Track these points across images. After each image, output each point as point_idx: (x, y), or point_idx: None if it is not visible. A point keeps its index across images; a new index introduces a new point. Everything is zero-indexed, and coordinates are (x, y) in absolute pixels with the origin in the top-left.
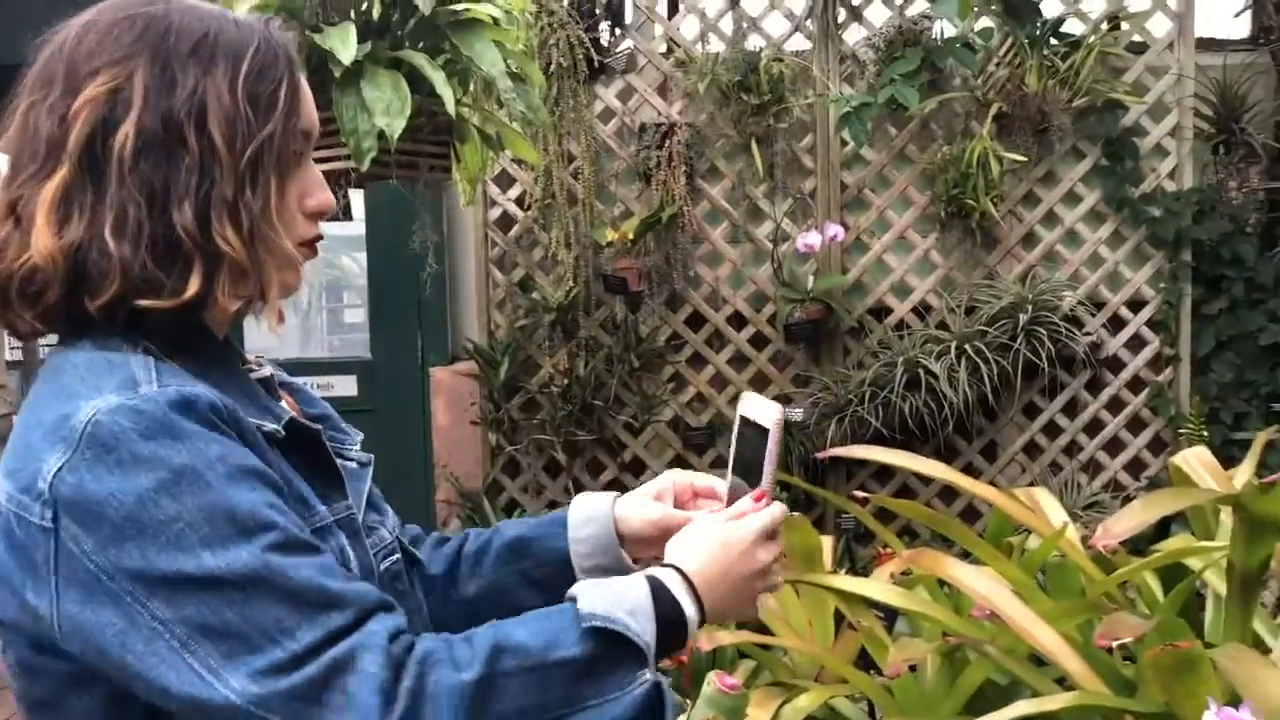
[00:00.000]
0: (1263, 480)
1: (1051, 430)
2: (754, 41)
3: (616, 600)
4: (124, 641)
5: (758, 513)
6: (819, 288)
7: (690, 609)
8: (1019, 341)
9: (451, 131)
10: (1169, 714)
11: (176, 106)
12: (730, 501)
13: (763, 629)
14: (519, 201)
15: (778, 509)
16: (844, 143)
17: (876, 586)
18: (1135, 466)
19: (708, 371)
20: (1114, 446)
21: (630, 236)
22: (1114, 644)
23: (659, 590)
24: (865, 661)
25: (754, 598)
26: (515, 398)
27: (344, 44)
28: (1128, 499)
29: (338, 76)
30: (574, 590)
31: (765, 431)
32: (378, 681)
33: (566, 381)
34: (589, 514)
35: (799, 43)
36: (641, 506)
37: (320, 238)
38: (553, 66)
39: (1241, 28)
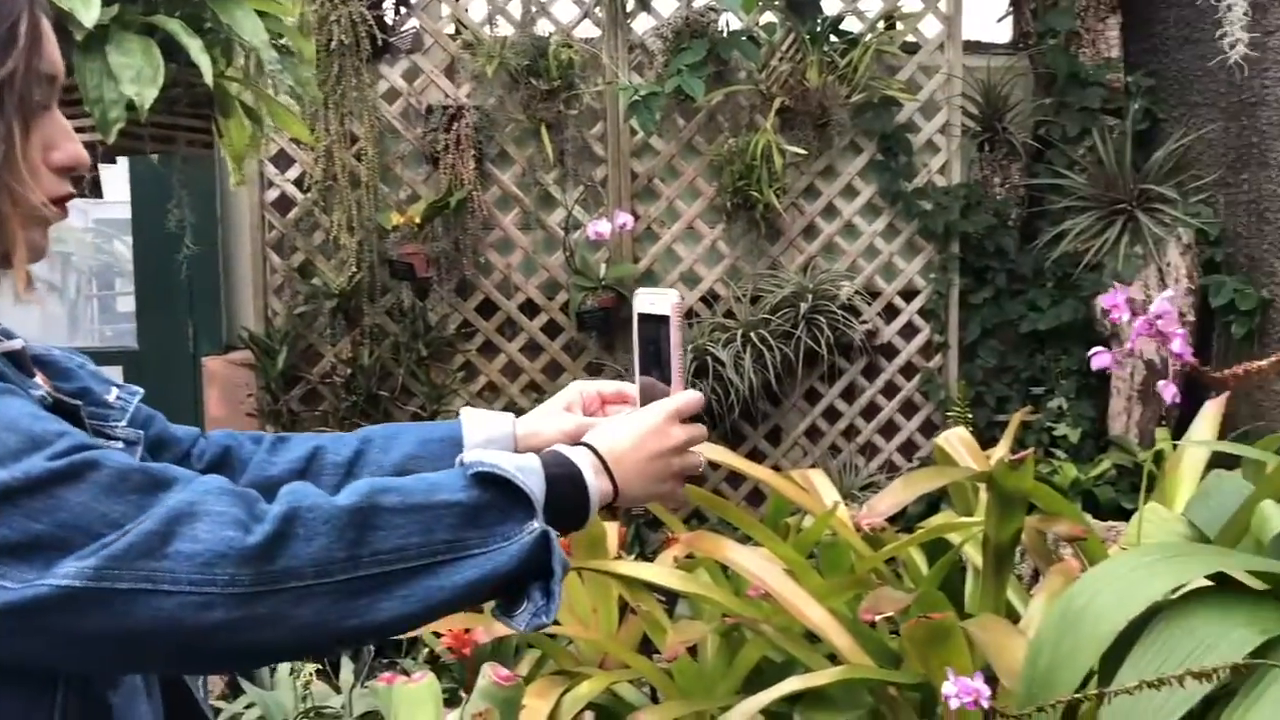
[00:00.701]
0: (1012, 458)
1: (831, 415)
2: (543, 26)
3: (504, 458)
4: None
5: (673, 395)
6: (611, 276)
7: (590, 474)
8: (800, 329)
9: (212, 105)
10: (928, 684)
11: None
12: (642, 400)
13: None
14: (298, 183)
15: (691, 394)
16: (634, 131)
17: (657, 570)
18: (908, 448)
19: (499, 360)
20: (889, 430)
21: (417, 221)
22: (876, 618)
23: (551, 454)
24: (649, 647)
25: (671, 475)
26: (295, 388)
27: (85, 5)
28: None
29: (79, 40)
30: (460, 457)
31: (665, 320)
32: (229, 517)
33: (350, 371)
34: (489, 436)
35: (588, 30)
36: (553, 419)
37: (72, 196)
38: (334, 44)
39: (1004, 32)
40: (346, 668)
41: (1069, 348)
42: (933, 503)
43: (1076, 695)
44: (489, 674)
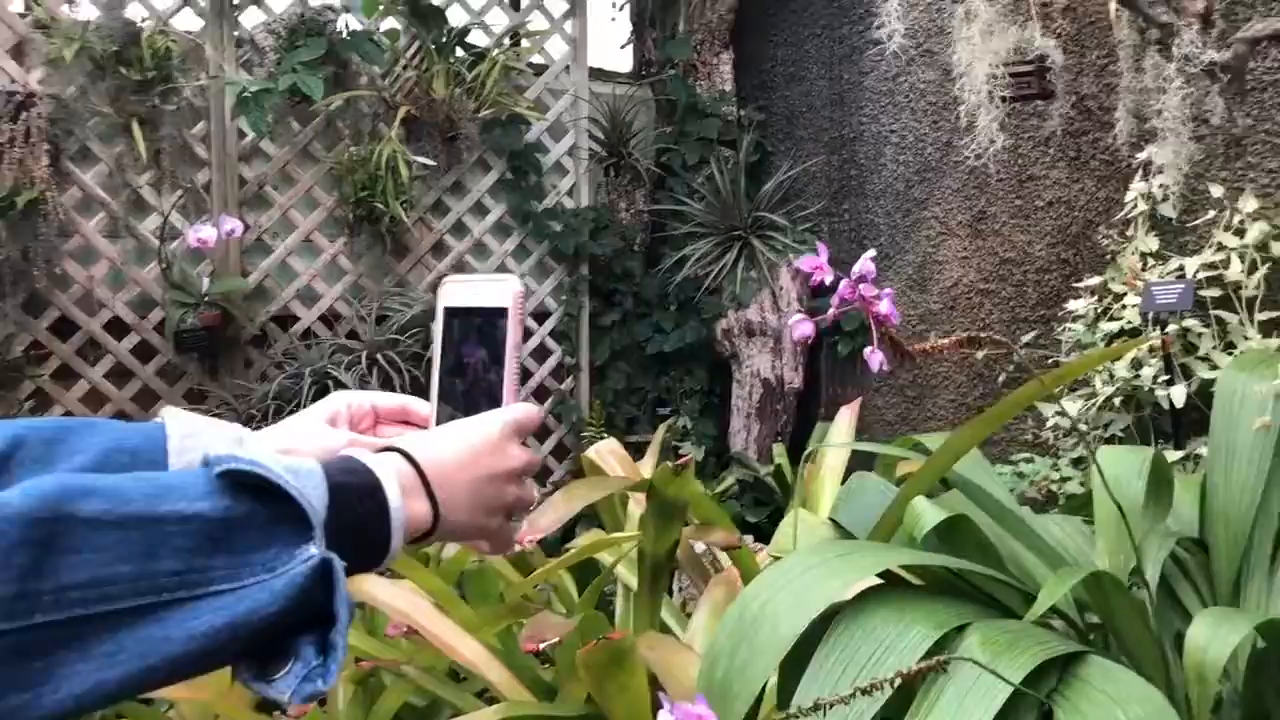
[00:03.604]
0: (675, 463)
1: None
2: (135, 11)
3: (268, 456)
4: None
5: (506, 406)
6: (215, 291)
7: (394, 489)
8: (432, 351)
9: None
10: (595, 714)
11: None
12: (439, 419)
13: None
14: None
15: (529, 406)
16: (242, 133)
17: None
18: (542, 473)
19: (79, 388)
20: None
21: None
22: (541, 645)
23: (342, 459)
24: (269, 703)
25: (505, 506)
26: None
27: None
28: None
29: None
30: (205, 453)
31: (500, 314)
32: None
33: None
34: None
35: (189, 20)
36: (315, 434)
37: None
38: None
39: (627, 62)
40: None
41: (692, 369)
42: (567, 528)
43: (780, 715)
44: None
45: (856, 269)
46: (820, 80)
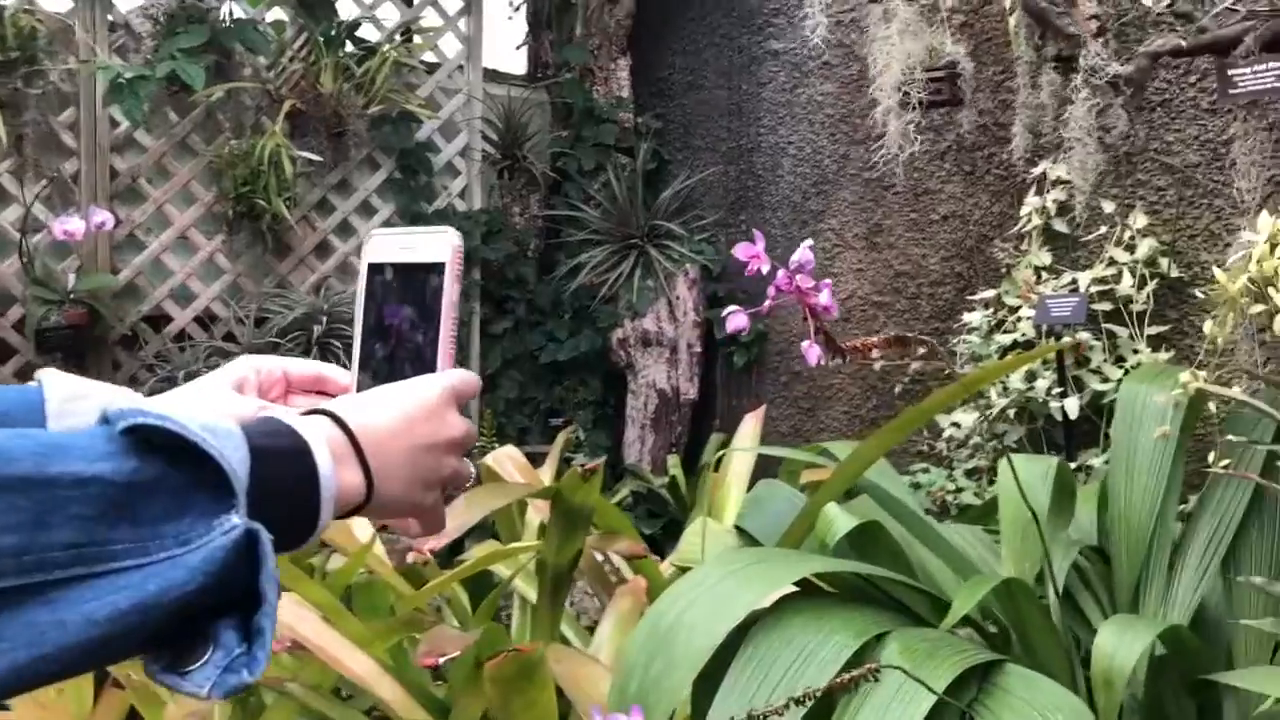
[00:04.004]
0: (584, 468)
1: None
2: None
3: (180, 411)
4: None
5: (443, 371)
6: (82, 288)
7: (324, 455)
8: (314, 355)
9: None
10: None
11: None
12: (361, 389)
13: None
14: None
15: (466, 372)
16: (115, 122)
17: None
18: None
19: None
20: None
21: None
22: (441, 661)
23: (263, 420)
24: None
25: (441, 480)
26: None
27: None
28: None
29: None
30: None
31: (433, 270)
32: None
33: None
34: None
35: (58, 1)
36: (221, 401)
37: None
38: None
39: (522, 64)
40: None
41: (586, 379)
42: (455, 541)
43: None
44: None
45: (795, 258)
46: (718, 90)
